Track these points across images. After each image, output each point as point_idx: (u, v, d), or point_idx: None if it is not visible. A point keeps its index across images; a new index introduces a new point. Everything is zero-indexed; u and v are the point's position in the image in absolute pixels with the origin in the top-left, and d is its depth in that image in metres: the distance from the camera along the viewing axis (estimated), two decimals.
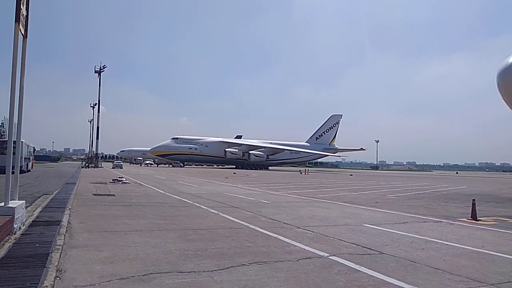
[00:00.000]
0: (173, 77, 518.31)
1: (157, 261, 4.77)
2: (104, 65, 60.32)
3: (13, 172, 6.84)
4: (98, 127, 60.54)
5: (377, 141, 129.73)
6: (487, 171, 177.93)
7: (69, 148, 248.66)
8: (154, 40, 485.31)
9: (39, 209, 9.36)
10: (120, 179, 22.46)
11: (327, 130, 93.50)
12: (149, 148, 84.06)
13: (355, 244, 6.32)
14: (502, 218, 10.32)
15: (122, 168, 54.28)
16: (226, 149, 78.61)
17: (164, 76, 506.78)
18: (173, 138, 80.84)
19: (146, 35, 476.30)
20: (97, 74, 60.11)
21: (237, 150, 79.07)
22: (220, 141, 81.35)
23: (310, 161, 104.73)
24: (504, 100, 17.01)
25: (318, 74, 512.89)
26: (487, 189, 26.07)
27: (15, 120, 6.82)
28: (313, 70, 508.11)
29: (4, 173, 6.62)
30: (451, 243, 6.62)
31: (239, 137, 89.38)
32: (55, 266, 4.41)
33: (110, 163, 77.32)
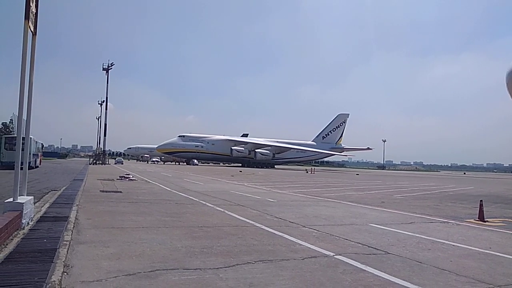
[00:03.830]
0: (180, 75, 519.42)
1: (163, 258, 4.80)
2: (112, 63, 60.35)
3: (21, 168, 6.91)
4: (105, 124, 60.72)
5: (384, 141, 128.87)
6: (495, 172, 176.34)
7: (76, 145, 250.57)
8: (161, 38, 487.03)
9: (47, 205, 9.45)
10: (127, 176, 22.60)
11: (334, 129, 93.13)
12: (156, 146, 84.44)
13: (361, 243, 6.30)
14: (510, 220, 10.23)
15: (122, 163, 63.61)
16: (233, 148, 78.68)
17: (171, 75, 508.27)
18: (179, 136, 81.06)
19: (153, 34, 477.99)
20: (105, 71, 60.29)
21: (243, 149, 79.13)
22: (227, 139, 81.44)
23: (317, 160, 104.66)
24: None
25: (324, 73, 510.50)
26: (495, 190, 25.84)
27: (24, 116, 6.88)
28: (319, 69, 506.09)
29: (13, 169, 6.69)
30: (457, 244, 6.58)
31: (245, 135, 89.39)
32: (63, 261, 4.46)
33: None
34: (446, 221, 9.49)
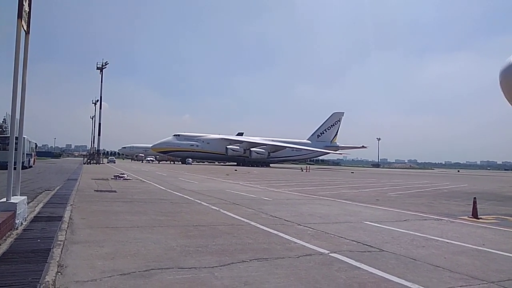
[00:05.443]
0: (176, 74, 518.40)
1: (158, 257, 4.78)
2: (106, 62, 59.87)
3: (15, 168, 6.86)
4: (99, 124, 60.37)
5: (379, 139, 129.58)
6: (489, 169, 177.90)
7: (71, 144, 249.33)
8: (157, 37, 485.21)
9: (40, 205, 9.39)
10: (122, 175, 22.50)
11: (329, 128, 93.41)
12: (151, 145, 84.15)
13: (355, 241, 6.33)
14: (503, 217, 10.31)
15: (115, 162, 66.38)
16: (228, 146, 78.65)
17: (167, 74, 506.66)
18: (174, 135, 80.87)
19: (149, 33, 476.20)
20: (99, 70, 59.90)
21: (238, 147, 79.12)
22: (222, 138, 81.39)
23: (312, 159, 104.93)
24: (506, 98, 16.98)
25: (321, 73, 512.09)
26: (488, 188, 26.04)
27: (17, 116, 6.83)
28: (316, 68, 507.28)
29: (6, 169, 6.64)
30: (451, 241, 6.63)
31: (240, 134, 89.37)
32: (57, 261, 4.43)
33: None
34: (440, 219, 9.55)
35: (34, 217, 7.52)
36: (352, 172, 56.46)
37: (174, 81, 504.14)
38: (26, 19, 6.93)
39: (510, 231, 7.94)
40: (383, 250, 5.71)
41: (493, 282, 4.28)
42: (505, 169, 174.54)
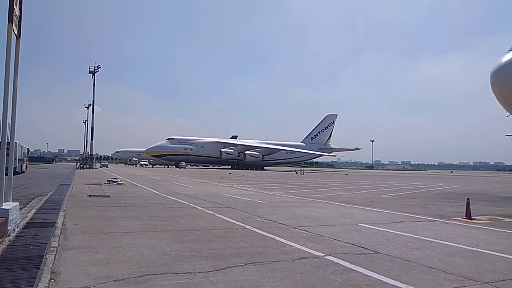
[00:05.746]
0: (169, 77, 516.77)
1: (152, 263, 4.75)
2: (99, 66, 59.49)
3: (7, 174, 6.79)
4: (92, 128, 59.92)
5: (372, 141, 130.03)
6: (482, 170, 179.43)
7: (63, 149, 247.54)
8: (150, 40, 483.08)
9: (33, 211, 9.29)
10: (115, 180, 22.35)
11: (323, 130, 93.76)
12: (144, 149, 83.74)
13: (350, 243, 6.33)
14: (496, 217, 10.39)
15: (107, 167, 65.21)
16: (222, 150, 78.53)
17: (161, 77, 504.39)
18: (168, 139, 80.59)
19: (142, 35, 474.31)
20: (92, 74, 59.56)
21: (232, 151, 79.02)
22: (216, 142, 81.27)
23: (306, 161, 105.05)
24: (497, 99, 17.12)
25: (315, 74, 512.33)
26: (482, 188, 26.23)
27: (9, 121, 6.77)
28: (310, 70, 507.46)
29: None
30: (445, 242, 6.66)
31: (234, 137, 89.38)
32: (50, 268, 4.39)
33: None
34: (434, 220, 9.60)
35: (26, 223, 7.44)
36: (346, 174, 56.64)
37: (168, 84, 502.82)
38: (17, 23, 6.88)
39: (503, 232, 8.00)
40: (378, 252, 5.73)
41: (487, 282, 4.30)
42: (498, 170, 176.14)
